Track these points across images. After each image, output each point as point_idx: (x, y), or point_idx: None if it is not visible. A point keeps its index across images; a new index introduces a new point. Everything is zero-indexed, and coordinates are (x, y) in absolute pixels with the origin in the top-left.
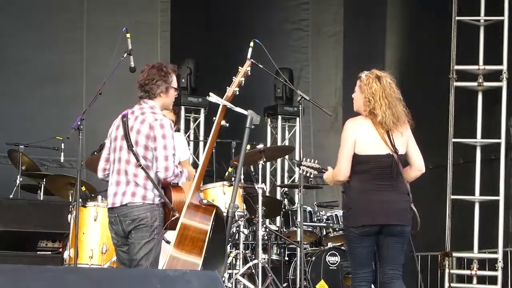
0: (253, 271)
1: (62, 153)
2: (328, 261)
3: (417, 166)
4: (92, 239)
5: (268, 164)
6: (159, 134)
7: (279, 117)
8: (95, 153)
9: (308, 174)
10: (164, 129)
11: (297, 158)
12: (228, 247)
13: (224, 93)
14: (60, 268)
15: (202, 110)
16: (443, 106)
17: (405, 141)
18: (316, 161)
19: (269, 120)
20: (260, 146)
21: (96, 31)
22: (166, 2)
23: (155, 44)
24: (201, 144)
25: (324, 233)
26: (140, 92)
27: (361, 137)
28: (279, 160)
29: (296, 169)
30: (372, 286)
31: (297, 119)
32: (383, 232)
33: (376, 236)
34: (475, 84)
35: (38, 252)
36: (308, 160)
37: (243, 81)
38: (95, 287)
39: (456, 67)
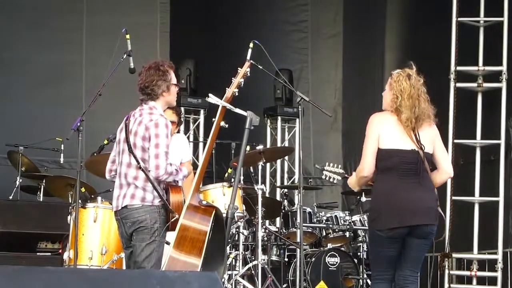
0: (253, 272)
1: (62, 154)
2: (328, 262)
3: (445, 169)
4: (91, 240)
5: (268, 165)
6: (152, 133)
7: (279, 118)
8: (95, 154)
9: (331, 180)
10: (158, 128)
11: (296, 159)
12: (228, 248)
13: (223, 94)
14: (59, 269)
15: (202, 111)
16: (443, 107)
17: (432, 141)
18: (340, 166)
19: (268, 121)
20: (260, 147)
21: (95, 32)
22: (165, 3)
23: (154, 45)
24: (200, 145)
25: (324, 234)
26: (141, 95)
27: (385, 132)
28: (278, 161)
29: (296, 170)
30: None
31: (297, 120)
32: (412, 234)
33: (404, 238)
34: (474, 85)
35: (37, 253)
36: (331, 165)
37: (242, 82)
38: None
39: (456, 68)
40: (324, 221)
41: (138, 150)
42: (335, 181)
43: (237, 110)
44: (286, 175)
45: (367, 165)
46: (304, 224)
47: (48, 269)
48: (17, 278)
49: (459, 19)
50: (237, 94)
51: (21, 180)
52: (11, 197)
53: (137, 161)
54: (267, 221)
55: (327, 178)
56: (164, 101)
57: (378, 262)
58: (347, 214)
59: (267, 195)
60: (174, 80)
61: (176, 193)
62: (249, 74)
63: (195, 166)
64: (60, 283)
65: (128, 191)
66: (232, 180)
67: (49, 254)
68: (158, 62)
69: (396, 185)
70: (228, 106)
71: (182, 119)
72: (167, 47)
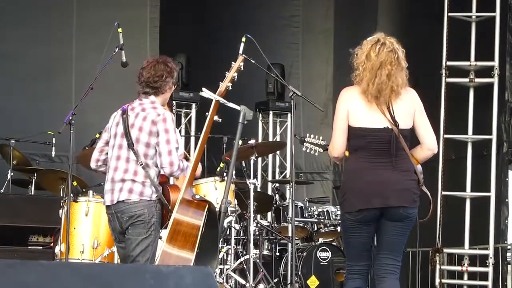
0: (244, 266)
1: (54, 148)
2: (319, 256)
3: (427, 144)
4: (83, 234)
5: (260, 159)
6: (161, 129)
7: (271, 112)
8: (87, 148)
9: (312, 152)
10: (166, 123)
11: (288, 154)
12: (220, 242)
13: (215, 88)
14: (53, 263)
15: (194, 105)
16: (435, 102)
17: (409, 113)
18: (321, 137)
19: (260, 115)
20: (252, 141)
21: (85, 27)
22: None
23: (144, 40)
24: (192, 139)
25: (315, 228)
26: (145, 88)
27: (355, 108)
28: (270, 156)
29: (287, 165)
30: None
31: (289, 114)
32: (384, 216)
33: (376, 222)
34: (466, 80)
35: (29, 247)
36: (312, 136)
37: (236, 77)
38: (87, 282)
39: (448, 63)
40: (315, 215)
41: (142, 145)
42: (316, 153)
43: (231, 105)
44: (277, 170)
45: (336, 145)
46: (295, 219)
47: (41, 263)
48: (10, 272)
49: (451, 14)
50: (230, 88)
51: (12, 174)
52: (2, 191)
53: (137, 157)
54: (258, 216)
55: (308, 150)
56: (164, 98)
57: (349, 251)
58: (338, 209)
59: (258, 189)
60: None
61: (175, 192)
62: (242, 69)
63: (187, 160)
64: (54, 277)
65: (125, 185)
66: (225, 174)
67: (41, 247)
68: (165, 58)
69: (365, 166)
70: (222, 100)
71: (173, 111)
72: (157, 42)
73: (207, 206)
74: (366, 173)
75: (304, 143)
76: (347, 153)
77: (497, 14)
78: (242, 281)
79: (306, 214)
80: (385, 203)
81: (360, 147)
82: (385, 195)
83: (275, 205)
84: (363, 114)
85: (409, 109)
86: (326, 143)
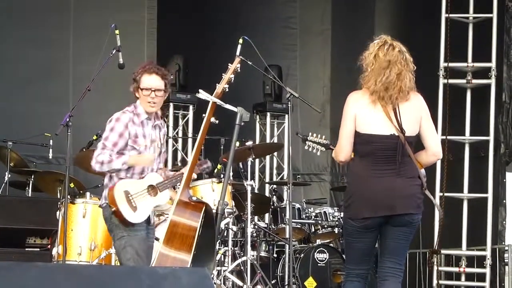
0: (242, 268)
1: (51, 150)
2: (317, 258)
3: (432, 150)
4: (80, 236)
5: (257, 161)
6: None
7: (268, 114)
8: (84, 149)
9: (314, 151)
10: (107, 125)
11: (285, 155)
12: (217, 244)
13: (213, 90)
14: (49, 265)
15: (191, 107)
16: (432, 104)
17: (416, 120)
18: (324, 136)
19: (258, 117)
20: (249, 143)
21: (82, 30)
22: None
23: (141, 42)
24: (189, 141)
25: (313, 230)
26: None
27: (362, 113)
28: (268, 157)
29: (285, 166)
30: None
31: (286, 116)
32: (388, 222)
33: (380, 227)
34: (464, 81)
35: (26, 249)
36: (315, 135)
37: (232, 78)
38: (85, 284)
39: (445, 64)
40: (313, 217)
41: None
42: (318, 153)
43: (228, 106)
44: (275, 171)
45: (342, 149)
46: (293, 220)
47: (38, 265)
48: (7, 274)
49: (448, 15)
50: (227, 90)
51: (9, 176)
52: None
53: None
54: (256, 217)
55: (310, 149)
56: (141, 101)
57: (350, 254)
58: (336, 210)
59: (256, 191)
60: (142, 84)
61: (113, 187)
62: (239, 70)
63: (184, 162)
64: (51, 279)
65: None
66: (222, 176)
67: (38, 249)
68: (143, 63)
69: (370, 173)
70: (219, 102)
71: (167, 113)
72: (154, 44)
73: (204, 207)
74: (372, 180)
75: (307, 142)
76: (352, 155)
77: (494, 15)
78: (240, 283)
79: (304, 216)
80: (392, 211)
81: (366, 153)
82: (391, 203)
83: (272, 207)
84: (370, 119)
85: (416, 116)
86: (329, 142)
